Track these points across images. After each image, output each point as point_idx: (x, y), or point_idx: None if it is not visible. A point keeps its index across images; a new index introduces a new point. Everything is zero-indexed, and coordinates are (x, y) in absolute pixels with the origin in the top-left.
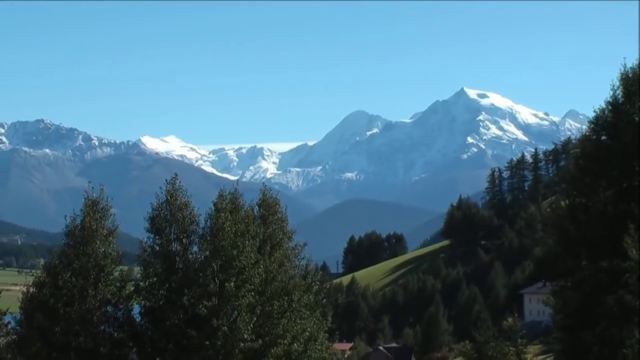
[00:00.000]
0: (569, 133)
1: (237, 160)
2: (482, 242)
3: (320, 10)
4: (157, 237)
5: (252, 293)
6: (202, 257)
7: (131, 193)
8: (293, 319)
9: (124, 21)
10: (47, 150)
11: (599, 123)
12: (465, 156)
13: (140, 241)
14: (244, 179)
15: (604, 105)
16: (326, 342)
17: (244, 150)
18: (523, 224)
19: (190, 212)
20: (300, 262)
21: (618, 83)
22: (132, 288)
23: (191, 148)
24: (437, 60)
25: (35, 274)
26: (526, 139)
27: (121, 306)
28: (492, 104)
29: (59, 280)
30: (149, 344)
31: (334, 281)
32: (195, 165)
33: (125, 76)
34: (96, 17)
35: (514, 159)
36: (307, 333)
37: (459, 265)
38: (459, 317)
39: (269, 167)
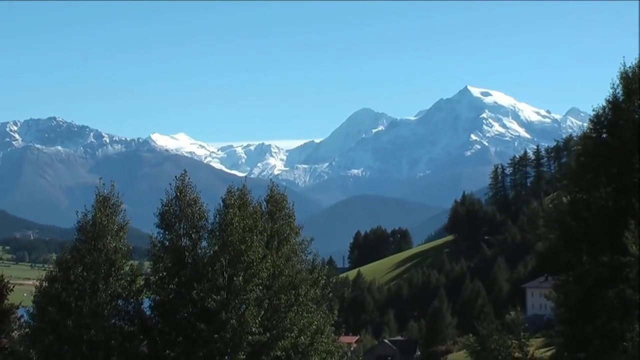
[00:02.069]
0: (570, 130)
1: (245, 157)
2: (486, 237)
3: (326, 9)
4: (166, 233)
5: (260, 287)
6: (211, 252)
7: (141, 189)
8: (300, 313)
9: (134, 21)
10: (59, 148)
11: (600, 121)
12: (468, 153)
13: (150, 236)
14: (252, 176)
15: (604, 104)
16: (332, 335)
17: (252, 148)
18: (525, 219)
19: (199, 208)
20: (307, 256)
21: (618, 81)
22: (143, 282)
23: (200, 145)
24: (441, 59)
25: (47, 269)
26: (528, 136)
27: (132, 300)
28: (495, 102)
29: (71, 275)
30: (159, 337)
31: (340, 275)
32: (204, 162)
33: (135, 75)
34: (107, 17)
35: (517, 156)
36: (313, 326)
37: (463, 260)
38: (463, 310)
39: (276, 164)
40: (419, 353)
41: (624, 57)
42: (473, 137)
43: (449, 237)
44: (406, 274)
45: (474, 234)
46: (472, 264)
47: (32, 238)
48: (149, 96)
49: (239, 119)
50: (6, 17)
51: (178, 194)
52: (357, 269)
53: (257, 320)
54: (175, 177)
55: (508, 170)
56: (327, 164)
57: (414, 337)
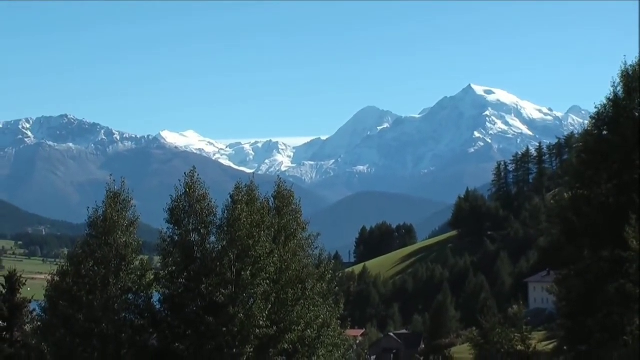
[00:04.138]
0: (571, 128)
1: (253, 154)
2: (489, 233)
3: (332, 10)
4: (176, 228)
5: (267, 281)
6: (220, 246)
7: (151, 185)
8: (307, 307)
9: (144, 20)
10: (71, 145)
11: (601, 118)
12: (472, 150)
13: (160, 232)
14: (259, 172)
15: (605, 101)
16: (338, 328)
17: (259, 145)
18: (528, 215)
19: (208, 204)
20: (313, 251)
21: (618, 80)
22: (152, 277)
23: (209, 142)
24: (445, 58)
25: (59, 263)
26: (531, 133)
27: (142, 294)
28: (498, 100)
29: (82, 269)
30: (168, 330)
31: (346, 270)
32: (213, 158)
33: (145, 73)
34: (117, 17)
35: (519, 153)
36: (320, 320)
37: (466, 255)
38: (467, 304)
39: (283, 161)
40: (423, 346)
41: (625, 55)
42: (476, 134)
43: (453, 233)
44: (411, 268)
45: (478, 229)
46: (476, 259)
47: (44, 233)
48: (158, 94)
49: (247, 117)
50: (18, 17)
51: (187, 190)
52: (363, 264)
53: (264, 314)
54: (185, 173)
55: (511, 167)
56: (334, 160)
57: (419, 330)
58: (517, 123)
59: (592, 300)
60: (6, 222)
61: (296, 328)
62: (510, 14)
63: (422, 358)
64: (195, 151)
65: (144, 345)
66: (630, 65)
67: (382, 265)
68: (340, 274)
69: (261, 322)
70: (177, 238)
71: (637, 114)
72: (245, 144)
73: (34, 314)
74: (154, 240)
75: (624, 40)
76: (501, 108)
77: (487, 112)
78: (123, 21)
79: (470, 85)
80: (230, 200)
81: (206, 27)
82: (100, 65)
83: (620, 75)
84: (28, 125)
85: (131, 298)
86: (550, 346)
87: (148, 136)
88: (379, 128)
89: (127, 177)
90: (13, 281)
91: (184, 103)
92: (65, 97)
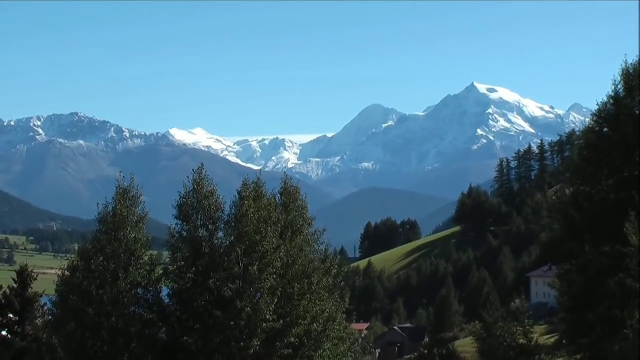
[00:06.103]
0: (573, 125)
1: (260, 151)
2: (491, 228)
3: (338, 9)
4: (184, 224)
5: (274, 276)
6: (227, 242)
7: (160, 182)
8: (313, 301)
9: (154, 20)
10: (81, 142)
11: (602, 116)
12: (475, 147)
13: (168, 227)
14: (266, 169)
15: (606, 99)
16: (344, 322)
17: (266, 142)
18: (530, 211)
19: (216, 200)
20: (319, 247)
21: (619, 78)
22: (161, 271)
23: (217, 140)
24: (449, 57)
25: (69, 259)
26: (533, 131)
27: (151, 289)
28: (501, 98)
29: (92, 264)
30: (177, 324)
31: (352, 265)
32: (221, 155)
33: (154, 72)
34: (127, 16)
35: (522, 150)
36: (326, 314)
37: (470, 250)
38: (470, 299)
39: (290, 158)
40: (427, 340)
41: (625, 54)
42: (479, 131)
43: (457, 228)
44: (415, 263)
45: (481, 225)
46: (479, 254)
47: (55, 229)
48: (167, 93)
49: (255, 115)
50: (29, 17)
51: (195, 186)
52: (368, 259)
53: (271, 308)
54: (193, 170)
55: (513, 164)
56: (339, 157)
57: (423, 324)
58: (519, 121)
59: (592, 294)
60: (18, 218)
61: (302, 322)
62: (512, 14)
63: (426, 351)
64: (203, 148)
65: (153, 339)
66: (631, 64)
67: (387, 260)
68: (346, 269)
69: (268, 316)
70: (185, 234)
71: (637, 112)
72: (252, 141)
73: (45, 308)
74: (163, 235)
75: (625, 39)
76: (504, 106)
77: (490, 110)
78: (132, 20)
79: (473, 83)
80: (237, 196)
81: (214, 26)
82: (110, 64)
83: (621, 73)
84: (39, 123)
85: (140, 292)
86: (552, 340)
87: (157, 134)
88: (383, 126)
89: (137, 174)
90: (25, 276)
91: (192, 101)
92: (76, 95)
